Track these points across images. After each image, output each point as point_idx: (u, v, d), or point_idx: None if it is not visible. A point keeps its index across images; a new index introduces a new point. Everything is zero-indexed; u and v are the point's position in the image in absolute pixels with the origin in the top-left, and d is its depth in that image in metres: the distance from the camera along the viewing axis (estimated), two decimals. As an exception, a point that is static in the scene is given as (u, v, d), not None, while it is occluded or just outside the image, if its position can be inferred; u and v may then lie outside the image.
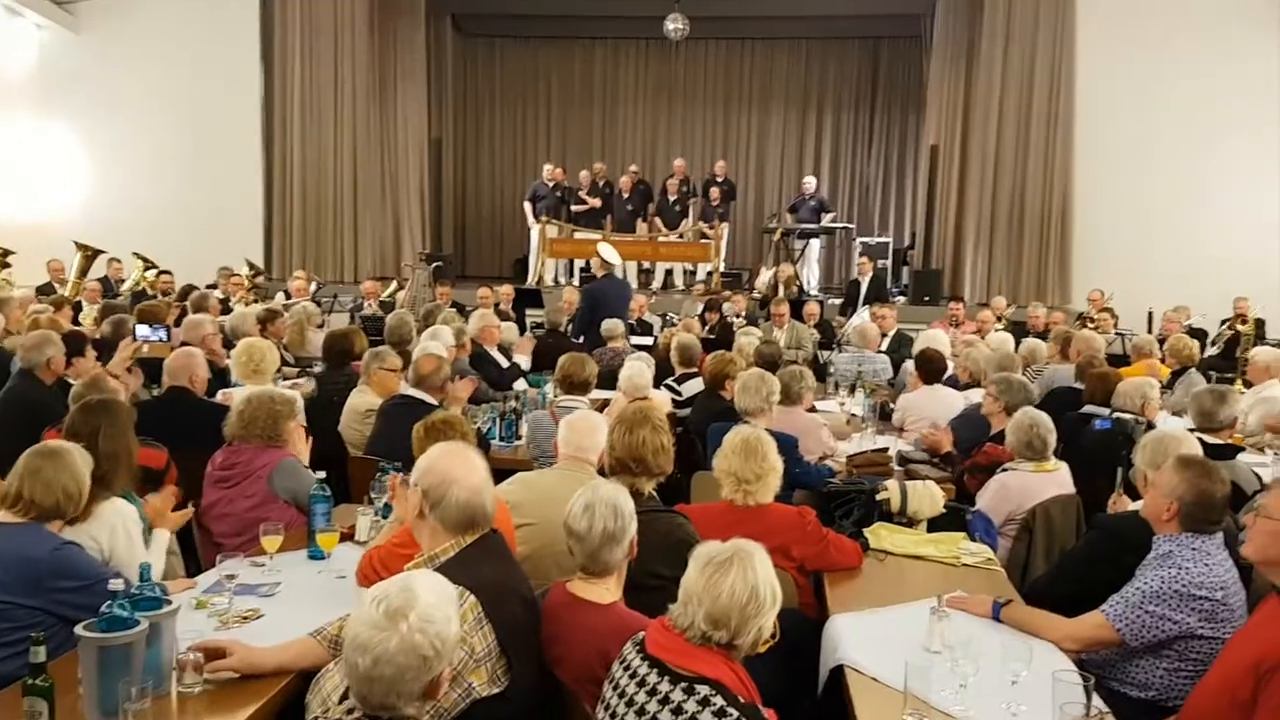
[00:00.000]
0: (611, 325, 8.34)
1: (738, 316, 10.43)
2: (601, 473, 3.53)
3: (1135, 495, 3.62)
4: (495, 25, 17.08)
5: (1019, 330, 9.56)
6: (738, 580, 2.11)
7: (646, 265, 14.52)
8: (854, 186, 17.06)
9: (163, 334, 4.99)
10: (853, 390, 7.20)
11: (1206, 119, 12.86)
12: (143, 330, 4.97)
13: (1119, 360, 7.80)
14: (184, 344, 6.17)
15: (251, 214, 14.34)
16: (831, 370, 8.03)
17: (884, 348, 8.60)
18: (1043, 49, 13.15)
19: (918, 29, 15.20)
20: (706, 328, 9.76)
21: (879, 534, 3.85)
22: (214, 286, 11.19)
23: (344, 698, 2.32)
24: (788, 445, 4.53)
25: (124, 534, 3.25)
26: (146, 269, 11.82)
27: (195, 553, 3.93)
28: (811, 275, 14.05)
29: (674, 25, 13.87)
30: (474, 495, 2.47)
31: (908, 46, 16.18)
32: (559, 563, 3.23)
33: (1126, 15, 12.96)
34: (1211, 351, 10.02)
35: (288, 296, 10.90)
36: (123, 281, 11.86)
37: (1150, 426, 4.39)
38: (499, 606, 2.36)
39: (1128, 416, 4.14)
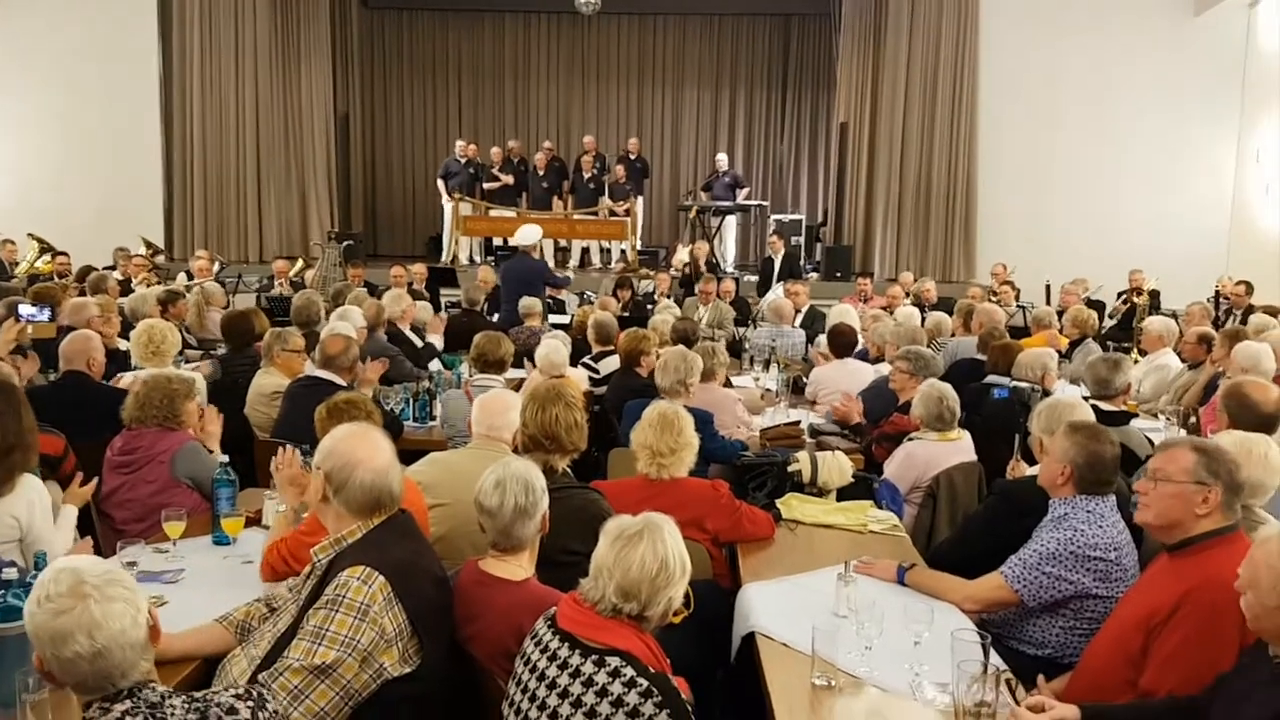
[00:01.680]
0: (528, 304, 8.30)
1: (665, 296, 10.47)
2: (516, 451, 3.52)
3: (1032, 461, 3.75)
4: (402, -3, 16.76)
5: (915, 305, 9.80)
6: (647, 552, 2.13)
7: (563, 243, 14.45)
8: (767, 164, 17.21)
9: (48, 313, 4.79)
10: (767, 365, 7.30)
11: (1106, 97, 13.31)
12: (26, 309, 4.77)
13: (1020, 331, 8.05)
14: (69, 326, 5.96)
15: (151, 192, 13.87)
16: (747, 346, 8.12)
17: (797, 323, 8.73)
18: (947, 28, 13.45)
19: (828, 6, 15.36)
20: (620, 305, 9.78)
21: (790, 504, 3.93)
22: (112, 268, 10.80)
23: (251, 680, 2.30)
24: (703, 420, 4.57)
25: (41, 510, 3.23)
26: (42, 251, 11.35)
27: (96, 540, 3.81)
28: (727, 252, 14.15)
29: (585, 0, 13.75)
30: (378, 477, 2.42)
31: (818, 24, 16.34)
32: (474, 542, 3.20)
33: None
34: (1109, 323, 10.40)
35: (190, 277, 10.59)
36: (17, 264, 11.38)
37: (1046, 394, 4.55)
38: (409, 586, 2.34)
39: (1025, 385, 4.28)
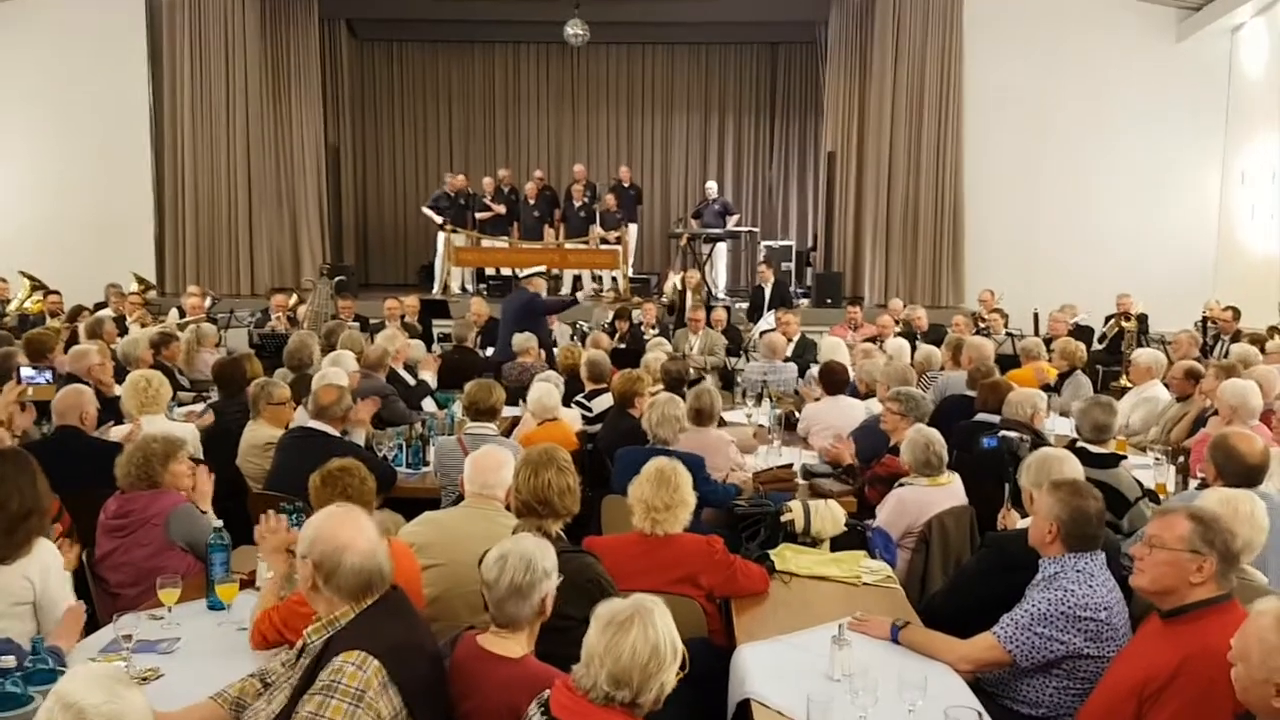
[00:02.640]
0: (523, 339, 8.29)
1: (651, 328, 10.48)
2: (508, 508, 3.54)
3: (1023, 509, 3.77)
4: (391, 29, 16.81)
5: (906, 332, 9.86)
6: (638, 639, 2.13)
7: (555, 272, 14.46)
8: (757, 190, 17.29)
9: (48, 375, 4.78)
10: (759, 400, 7.32)
11: (1091, 120, 13.42)
12: (27, 372, 4.78)
13: (1010, 360, 8.09)
14: (70, 376, 5.95)
15: (142, 227, 13.87)
16: (739, 380, 8.15)
17: (788, 352, 8.75)
18: (932, 55, 13.54)
19: (813, 35, 15.48)
20: (616, 336, 9.80)
21: (784, 555, 3.94)
22: (104, 305, 10.79)
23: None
24: (694, 465, 4.60)
25: (55, 573, 3.27)
26: (34, 289, 11.32)
27: (92, 604, 3.80)
28: (719, 279, 14.20)
29: (574, 31, 13.86)
30: (367, 559, 2.42)
31: (805, 53, 16.47)
32: (469, 603, 3.22)
33: (1013, 22, 13.41)
34: (1097, 348, 10.45)
35: (182, 314, 10.59)
36: (8, 301, 11.36)
37: (1036, 440, 4.58)
38: (403, 667, 2.35)
39: (1013, 435, 4.32)
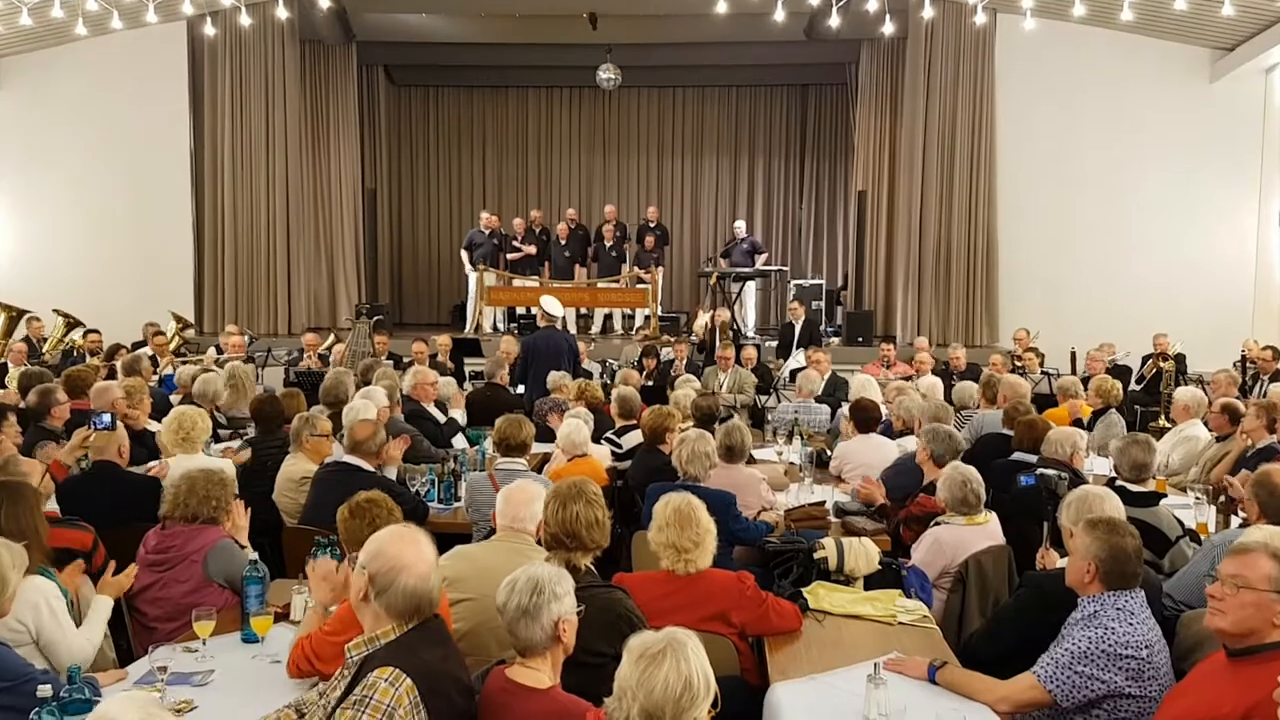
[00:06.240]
0: (557, 377, 8.34)
1: (682, 366, 10.47)
2: (540, 543, 3.53)
3: (1063, 548, 3.72)
4: (428, 75, 17.15)
5: (944, 371, 9.79)
6: (671, 673, 2.11)
7: (585, 311, 14.57)
8: (787, 230, 17.36)
9: (108, 420, 4.88)
10: (790, 438, 7.28)
11: (1125, 162, 13.36)
12: (97, 418, 4.92)
13: (1046, 400, 8.01)
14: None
15: (182, 267, 14.11)
16: (770, 418, 8.12)
17: (820, 392, 8.71)
18: (963, 96, 13.55)
19: (844, 77, 15.57)
20: (644, 374, 9.81)
21: (817, 593, 3.89)
22: (143, 343, 10.96)
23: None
24: (725, 502, 4.58)
25: (48, 610, 3.23)
26: (69, 327, 11.52)
27: (127, 635, 3.83)
28: (748, 317, 14.20)
29: (606, 75, 14.08)
30: (421, 583, 2.46)
31: (835, 94, 16.59)
32: (499, 638, 3.20)
33: (1046, 62, 13.39)
34: (1135, 389, 10.32)
35: (220, 351, 10.73)
36: (45, 340, 11.56)
37: (1074, 478, 4.52)
38: (435, 693, 2.36)
39: (1051, 473, 4.27)
